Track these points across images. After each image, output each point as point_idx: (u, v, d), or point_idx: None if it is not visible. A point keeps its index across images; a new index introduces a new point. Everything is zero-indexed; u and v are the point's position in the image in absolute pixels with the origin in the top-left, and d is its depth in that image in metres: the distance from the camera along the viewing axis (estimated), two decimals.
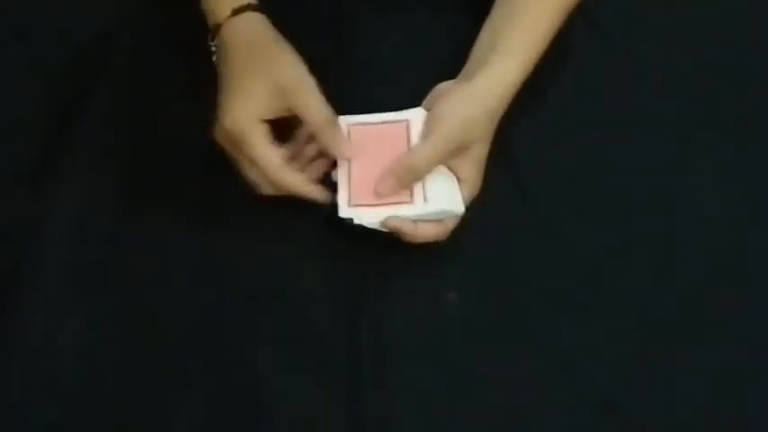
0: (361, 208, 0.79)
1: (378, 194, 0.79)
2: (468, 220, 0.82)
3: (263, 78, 0.81)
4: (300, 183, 0.80)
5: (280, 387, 0.76)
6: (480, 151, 0.81)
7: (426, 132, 0.80)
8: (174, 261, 0.82)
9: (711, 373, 0.76)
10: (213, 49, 0.86)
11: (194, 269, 0.82)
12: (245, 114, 0.80)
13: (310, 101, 0.80)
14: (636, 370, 0.76)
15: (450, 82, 0.84)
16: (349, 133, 0.82)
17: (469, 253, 0.81)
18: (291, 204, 0.81)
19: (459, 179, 0.80)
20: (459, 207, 0.79)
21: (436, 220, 0.79)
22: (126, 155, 0.87)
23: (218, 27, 0.85)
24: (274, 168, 0.79)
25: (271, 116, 0.81)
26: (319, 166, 0.83)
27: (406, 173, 0.78)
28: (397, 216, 0.78)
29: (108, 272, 0.82)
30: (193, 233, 0.84)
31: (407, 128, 0.81)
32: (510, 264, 0.81)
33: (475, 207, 0.81)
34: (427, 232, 0.79)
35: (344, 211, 0.79)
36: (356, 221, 0.79)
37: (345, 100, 0.85)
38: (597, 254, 0.82)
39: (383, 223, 0.78)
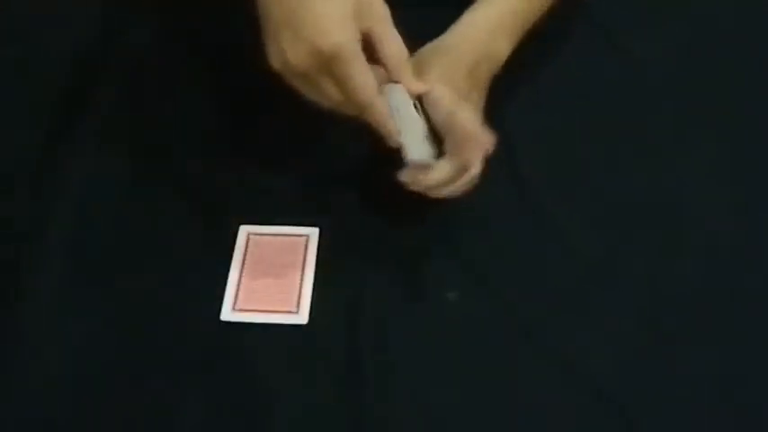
0: None
1: None
2: (468, 220, 0.82)
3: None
4: (388, 116, 0.75)
5: (280, 387, 0.76)
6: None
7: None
8: (173, 261, 0.82)
9: (711, 372, 0.76)
10: None
11: (194, 269, 0.82)
12: (345, 36, 0.73)
13: (389, 27, 0.76)
14: (636, 370, 0.76)
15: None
16: None
17: (469, 253, 0.81)
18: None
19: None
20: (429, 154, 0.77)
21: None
22: (126, 155, 0.87)
23: None
24: (371, 92, 0.74)
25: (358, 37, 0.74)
26: None
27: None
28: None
29: (108, 272, 0.82)
30: (193, 232, 0.84)
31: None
32: (510, 264, 0.81)
33: (475, 206, 0.81)
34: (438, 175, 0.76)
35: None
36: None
37: None
38: (597, 253, 0.82)
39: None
